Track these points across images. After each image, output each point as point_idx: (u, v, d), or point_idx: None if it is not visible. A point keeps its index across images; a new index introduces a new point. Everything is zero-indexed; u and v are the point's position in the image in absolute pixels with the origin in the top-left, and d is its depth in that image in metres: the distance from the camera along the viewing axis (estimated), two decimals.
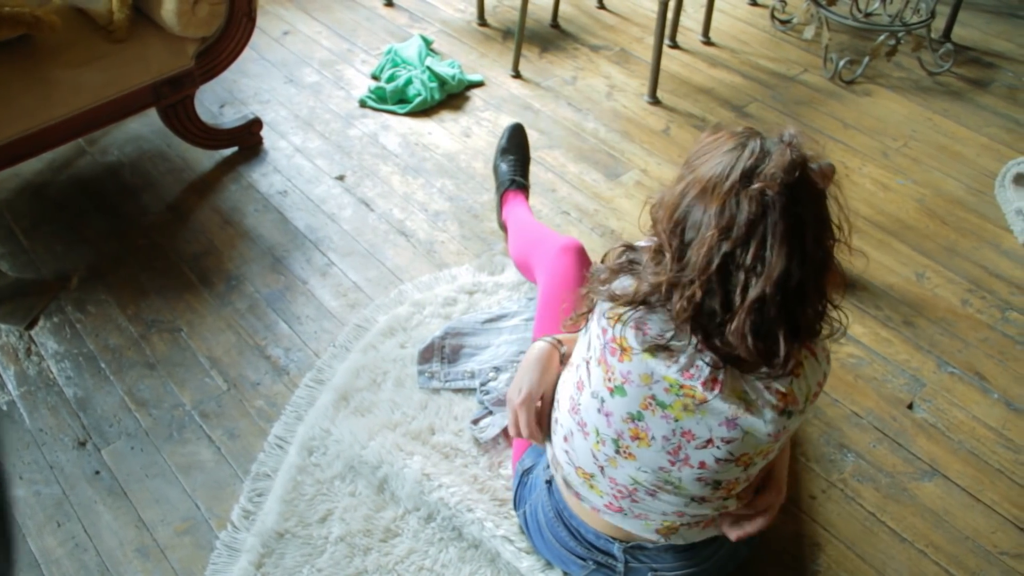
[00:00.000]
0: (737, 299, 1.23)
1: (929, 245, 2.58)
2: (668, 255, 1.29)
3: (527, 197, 2.47)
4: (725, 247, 1.22)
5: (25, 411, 2.08)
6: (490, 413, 2.00)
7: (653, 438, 1.36)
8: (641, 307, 1.33)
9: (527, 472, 1.73)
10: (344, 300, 2.36)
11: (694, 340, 1.28)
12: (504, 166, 2.50)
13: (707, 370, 1.29)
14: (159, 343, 2.24)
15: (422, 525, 1.83)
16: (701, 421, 1.32)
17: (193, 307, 2.33)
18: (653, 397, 1.33)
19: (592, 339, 1.41)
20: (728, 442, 1.33)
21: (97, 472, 1.95)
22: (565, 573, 1.71)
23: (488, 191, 2.71)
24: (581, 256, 2.00)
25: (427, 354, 2.15)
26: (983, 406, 2.13)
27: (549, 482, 1.64)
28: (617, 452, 1.42)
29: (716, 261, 1.23)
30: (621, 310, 1.34)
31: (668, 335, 1.30)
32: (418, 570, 1.76)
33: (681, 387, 1.30)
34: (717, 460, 1.36)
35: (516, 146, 2.54)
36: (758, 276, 1.22)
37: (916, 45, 3.33)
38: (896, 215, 2.68)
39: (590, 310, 1.47)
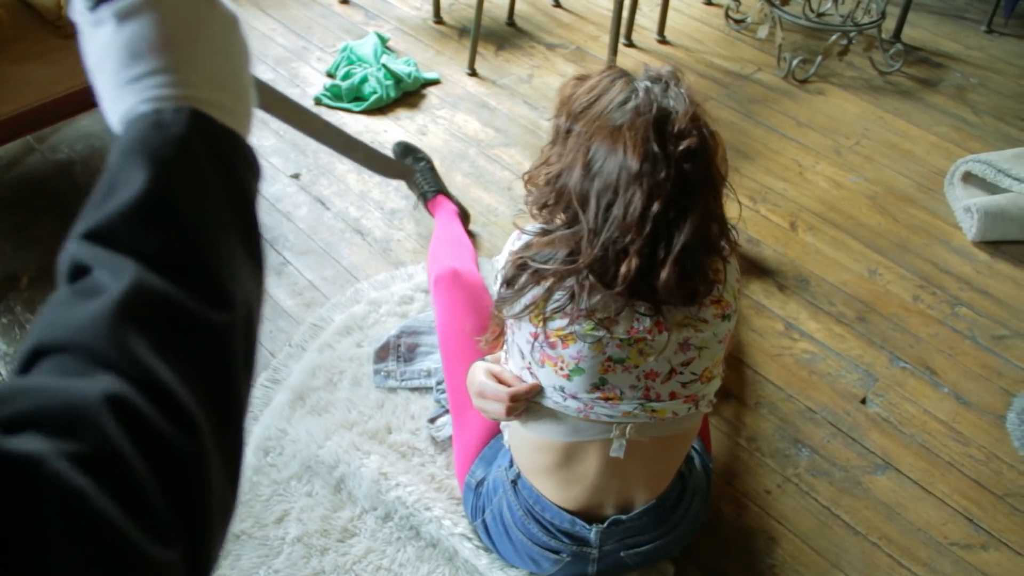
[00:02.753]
0: (661, 253, 1.27)
1: (881, 242, 2.61)
2: (586, 224, 1.30)
3: (448, 196, 2.50)
4: (655, 208, 1.25)
5: None
6: (447, 412, 2.00)
7: (622, 392, 1.40)
8: (557, 298, 1.35)
9: (480, 484, 1.72)
10: (300, 299, 2.34)
11: (622, 302, 1.32)
12: (425, 176, 2.54)
13: (648, 320, 1.34)
14: None
15: (379, 524, 1.82)
16: (659, 358, 1.37)
17: None
18: (609, 359, 1.36)
19: (520, 348, 1.43)
20: (687, 364, 1.39)
21: None
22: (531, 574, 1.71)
23: None
24: (451, 282, 1.99)
25: (383, 353, 2.14)
26: (934, 400, 2.16)
27: (515, 481, 1.63)
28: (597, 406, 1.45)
29: (649, 223, 1.25)
30: (540, 309, 1.36)
31: (596, 306, 1.33)
32: (376, 570, 1.75)
33: (632, 340, 1.35)
34: (684, 384, 1.41)
35: (416, 159, 2.58)
36: (681, 230, 1.27)
37: (867, 45, 3.37)
38: (849, 212, 2.72)
39: (502, 330, 1.50)
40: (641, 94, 1.28)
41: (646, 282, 1.30)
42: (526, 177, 1.45)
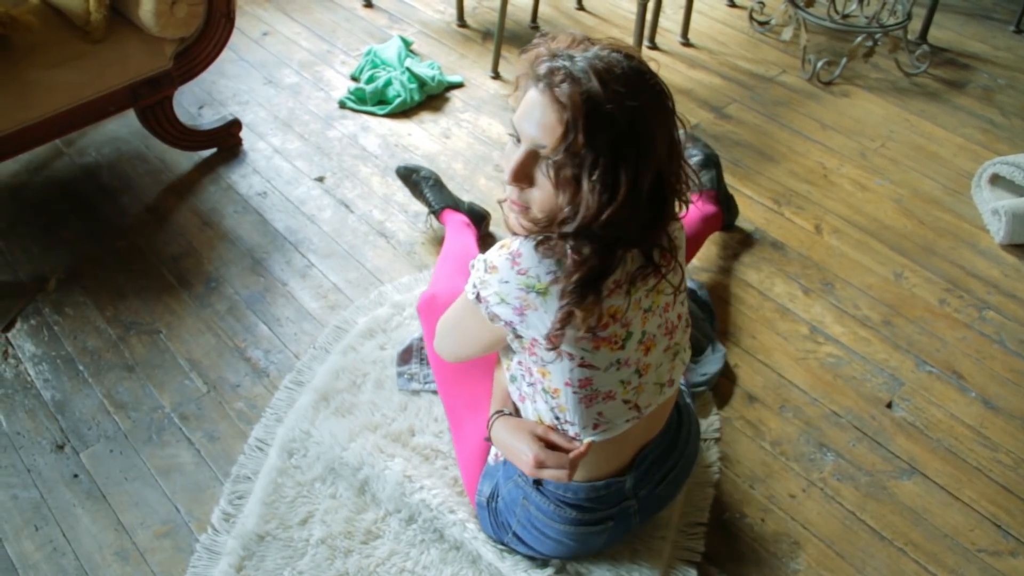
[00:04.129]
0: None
1: (907, 245, 2.59)
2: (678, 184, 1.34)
3: (455, 209, 2.48)
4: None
5: (2, 414, 2.06)
6: None
7: (654, 336, 1.45)
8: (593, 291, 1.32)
9: (492, 499, 1.71)
10: (324, 302, 2.35)
11: (636, 251, 1.34)
12: (430, 193, 2.52)
13: (658, 258, 1.36)
14: (138, 345, 2.22)
15: (403, 527, 1.82)
16: (665, 288, 1.42)
17: (172, 309, 2.32)
18: (645, 311, 1.40)
19: (568, 352, 1.39)
20: (679, 281, 1.44)
21: (75, 475, 1.94)
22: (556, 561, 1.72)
23: (468, 192, 2.71)
24: (428, 309, 1.95)
25: (406, 356, 2.14)
26: (961, 405, 2.15)
27: (538, 482, 1.61)
28: (640, 376, 1.47)
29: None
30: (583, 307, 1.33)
31: (621, 273, 1.34)
32: (399, 572, 1.75)
33: (653, 286, 1.39)
34: (681, 303, 1.50)
35: (421, 177, 2.56)
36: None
37: (893, 46, 3.35)
38: (874, 215, 2.70)
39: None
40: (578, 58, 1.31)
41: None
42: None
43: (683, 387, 1.82)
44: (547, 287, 1.31)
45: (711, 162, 2.57)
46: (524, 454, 1.50)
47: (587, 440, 1.48)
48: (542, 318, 1.33)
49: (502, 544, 1.76)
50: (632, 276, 1.33)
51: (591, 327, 1.33)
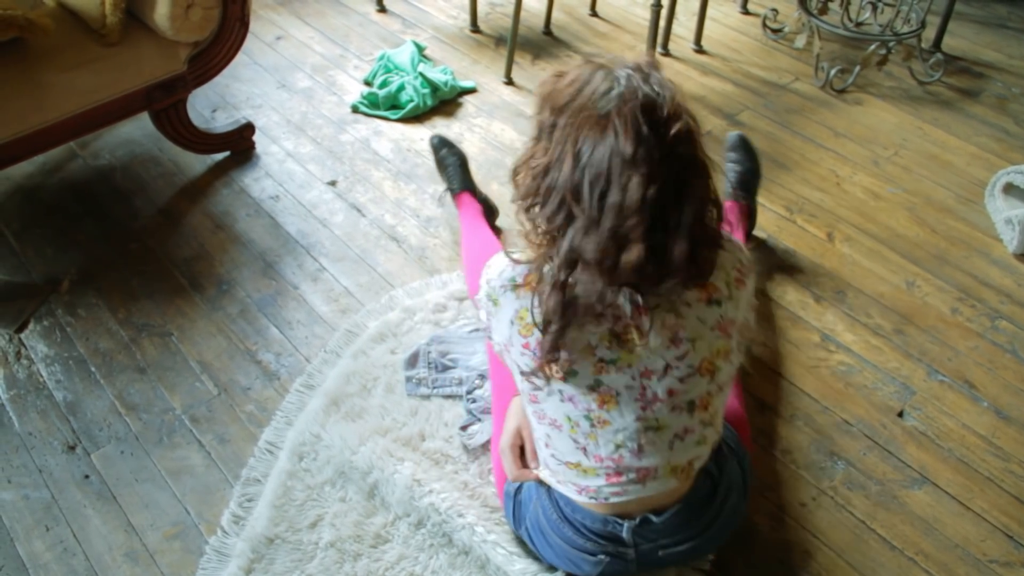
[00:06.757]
0: (661, 236, 1.26)
1: (919, 253, 2.59)
2: (581, 216, 1.26)
3: (473, 195, 2.51)
4: (652, 191, 1.22)
5: (14, 414, 2.07)
6: (478, 420, 2.00)
7: (618, 394, 1.40)
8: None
9: (517, 492, 1.72)
10: (335, 305, 2.36)
11: (615, 292, 1.30)
12: (454, 172, 2.56)
13: (629, 306, 1.31)
14: (149, 347, 2.23)
15: (412, 531, 1.82)
16: (651, 355, 1.36)
17: (184, 311, 2.32)
18: (601, 360, 1.37)
19: (517, 359, 1.43)
20: (682, 358, 1.38)
21: (86, 476, 1.95)
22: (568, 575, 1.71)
23: None
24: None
25: (413, 361, 2.15)
26: (972, 414, 2.14)
27: (549, 488, 1.63)
28: (592, 426, 1.44)
29: (648, 206, 1.23)
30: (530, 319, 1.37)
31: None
32: None
33: (617, 335, 1.35)
34: (681, 380, 1.40)
35: (450, 152, 2.58)
36: (681, 210, 1.26)
37: (906, 55, 3.34)
38: (887, 223, 2.69)
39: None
40: (623, 81, 1.25)
41: (649, 267, 1.28)
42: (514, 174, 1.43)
43: (736, 463, 1.69)
44: (499, 298, 1.39)
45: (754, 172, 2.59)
46: (505, 436, 1.67)
47: (536, 472, 1.62)
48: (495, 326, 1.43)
49: (518, 537, 1.77)
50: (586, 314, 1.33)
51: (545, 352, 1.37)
